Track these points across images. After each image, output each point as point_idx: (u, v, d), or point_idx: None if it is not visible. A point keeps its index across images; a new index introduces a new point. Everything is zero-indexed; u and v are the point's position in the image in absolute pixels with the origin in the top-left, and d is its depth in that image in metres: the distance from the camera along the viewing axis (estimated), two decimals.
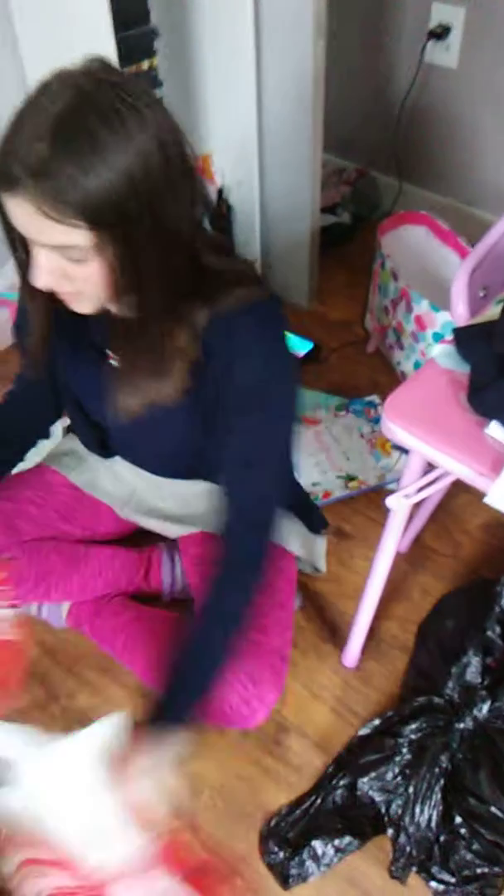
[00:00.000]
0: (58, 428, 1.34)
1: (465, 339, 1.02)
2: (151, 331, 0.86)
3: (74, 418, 1.22)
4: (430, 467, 1.03)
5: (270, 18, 1.64)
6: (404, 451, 1.68)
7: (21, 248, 0.83)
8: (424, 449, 0.94)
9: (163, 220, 0.77)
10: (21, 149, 0.71)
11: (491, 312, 1.06)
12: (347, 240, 2.27)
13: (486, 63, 1.94)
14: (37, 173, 0.71)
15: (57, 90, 0.73)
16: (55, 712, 1.33)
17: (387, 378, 1.88)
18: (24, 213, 0.74)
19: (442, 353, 1.04)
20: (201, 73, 1.80)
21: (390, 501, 1.05)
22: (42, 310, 0.94)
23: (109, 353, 1.00)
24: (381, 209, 2.34)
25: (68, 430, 1.37)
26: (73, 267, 0.79)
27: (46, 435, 1.29)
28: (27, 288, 0.87)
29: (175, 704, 0.94)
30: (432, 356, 1.04)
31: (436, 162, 2.20)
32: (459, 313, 1.10)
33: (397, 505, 1.05)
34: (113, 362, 0.98)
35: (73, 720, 1.32)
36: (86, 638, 1.37)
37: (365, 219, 2.32)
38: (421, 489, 1.03)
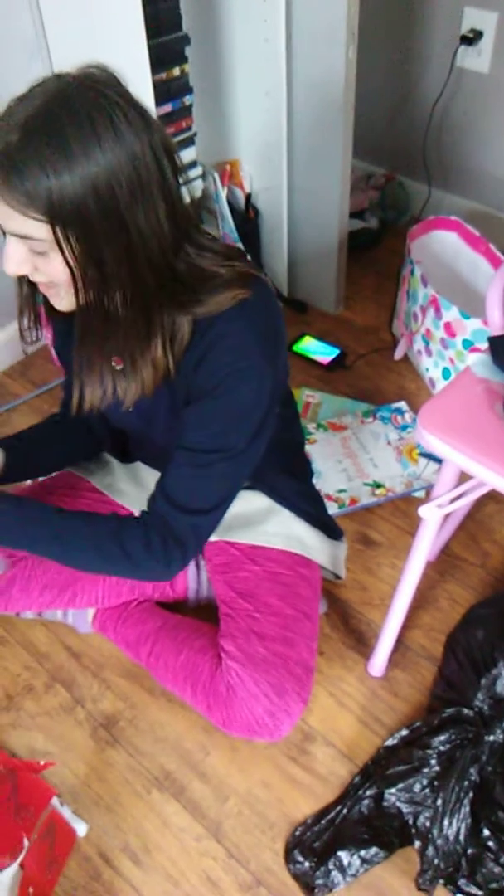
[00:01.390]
0: None
1: (501, 348, 1.01)
2: (123, 330, 0.87)
3: (95, 426, 1.23)
4: (463, 476, 1.02)
5: (301, 25, 1.64)
6: (432, 458, 1.67)
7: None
8: (460, 459, 0.93)
9: (128, 229, 0.79)
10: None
11: None
12: (375, 245, 2.26)
13: None
14: (2, 162, 0.74)
15: (46, 87, 0.75)
16: (80, 716, 1.34)
17: (414, 385, 1.87)
18: None
19: (478, 363, 1.03)
20: (231, 79, 1.80)
21: (423, 511, 1.04)
22: (25, 295, 0.96)
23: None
24: (409, 214, 2.33)
25: None
26: (38, 259, 0.82)
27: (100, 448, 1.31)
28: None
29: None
30: (468, 365, 1.03)
31: (466, 167, 2.18)
32: (495, 321, 1.09)
33: (430, 514, 1.04)
34: (113, 364, 0.99)
35: (99, 724, 1.32)
36: (109, 643, 1.37)
37: (393, 224, 2.31)
38: (454, 499, 1.02)
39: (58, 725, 1.33)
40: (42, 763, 1.19)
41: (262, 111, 1.79)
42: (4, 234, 0.82)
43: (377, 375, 1.91)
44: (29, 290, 0.96)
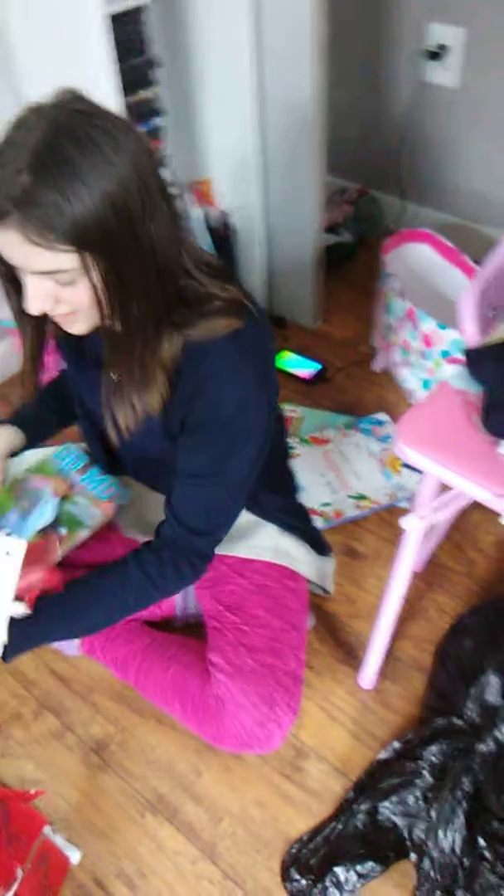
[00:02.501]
0: None
1: (477, 359, 1.02)
2: (137, 343, 0.88)
3: (87, 434, 1.22)
4: (444, 487, 1.03)
5: (270, 44, 1.66)
6: (416, 469, 1.67)
7: (5, 279, 0.87)
8: (438, 471, 0.94)
9: (142, 238, 0.80)
10: (3, 183, 0.74)
11: (502, 332, 1.06)
12: (351, 259, 2.29)
13: (488, 82, 1.96)
14: (21, 203, 0.74)
15: (32, 123, 0.75)
16: (70, 742, 1.32)
17: (394, 396, 1.89)
18: (11, 243, 0.76)
19: (455, 374, 1.04)
20: (202, 100, 1.82)
21: (405, 522, 1.05)
22: (33, 336, 0.97)
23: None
24: (383, 228, 2.35)
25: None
26: (62, 290, 0.82)
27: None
28: (19, 315, 0.92)
29: (23, 637, 1.00)
30: (446, 378, 1.04)
31: (438, 180, 2.21)
32: (469, 333, 1.10)
33: (412, 526, 1.05)
34: (113, 376, 0.99)
35: (90, 750, 1.31)
36: (99, 665, 1.37)
37: (368, 238, 2.34)
38: (436, 510, 1.02)
39: (48, 752, 1.32)
40: (33, 792, 1.18)
41: (234, 130, 1.81)
42: (6, 279, 0.83)
43: (357, 388, 1.93)
44: (35, 334, 0.96)
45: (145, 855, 1.19)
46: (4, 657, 0.99)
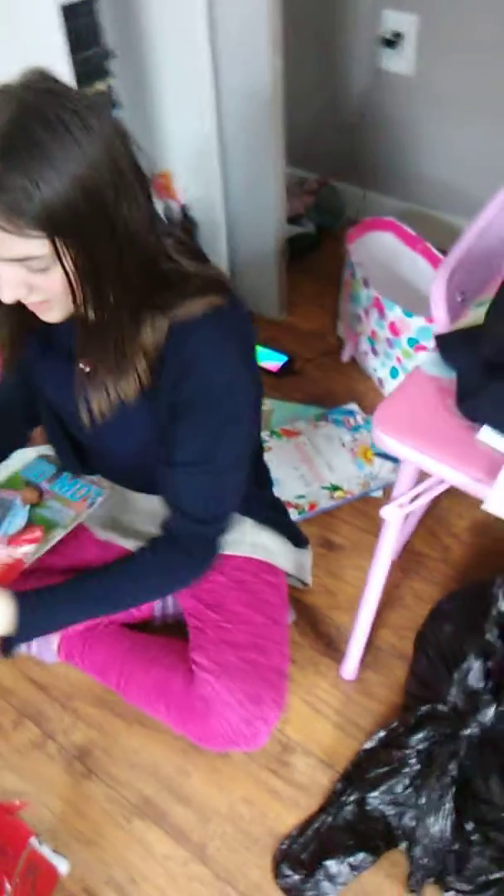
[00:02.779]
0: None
1: (449, 345, 1.02)
2: (113, 330, 0.87)
3: (52, 431, 1.20)
4: (422, 476, 1.02)
5: (225, 34, 1.64)
6: (387, 458, 1.68)
7: None
8: (418, 458, 0.93)
9: (117, 221, 0.78)
10: None
11: (473, 317, 1.06)
12: (313, 250, 2.28)
13: (443, 68, 1.96)
14: None
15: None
16: (52, 751, 1.30)
17: (363, 386, 1.88)
18: None
19: (427, 361, 1.03)
20: (158, 92, 1.79)
21: (385, 512, 1.04)
22: (10, 321, 0.96)
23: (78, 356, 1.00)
24: (345, 218, 2.35)
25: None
26: (36, 277, 0.80)
27: (18, 445, 1.29)
28: None
29: (33, 621, 0.98)
30: (419, 364, 1.04)
31: (397, 168, 2.21)
32: (440, 319, 1.10)
33: (391, 515, 1.04)
34: (83, 366, 0.98)
35: (73, 757, 1.29)
36: (78, 671, 1.34)
37: (330, 228, 2.33)
38: (414, 498, 1.02)
39: (30, 762, 1.29)
40: (17, 803, 1.15)
41: (191, 121, 1.78)
42: None
43: (326, 379, 1.92)
44: (10, 322, 0.95)
45: (135, 860, 1.18)
46: (6, 650, 0.97)
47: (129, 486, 1.23)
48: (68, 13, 1.44)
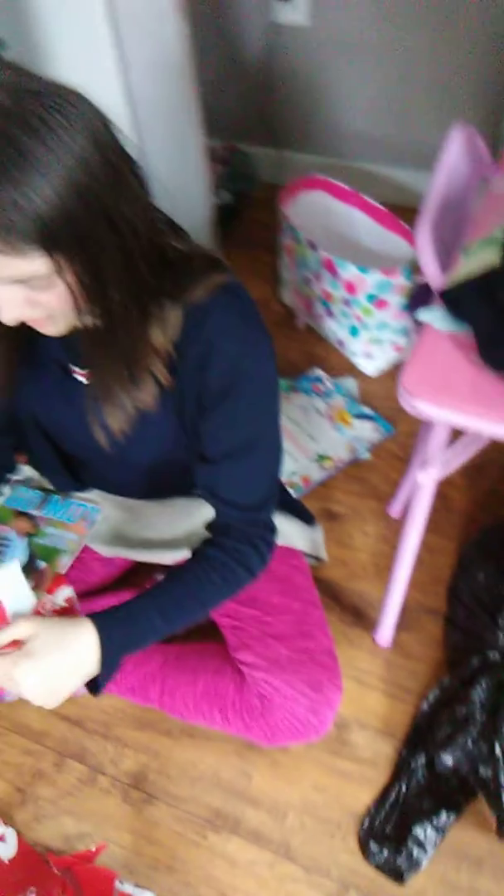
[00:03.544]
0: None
1: (457, 298, 1.00)
2: (122, 336, 0.81)
3: (40, 452, 1.11)
4: (456, 433, 1.01)
5: (126, 5, 1.53)
6: (366, 418, 1.66)
7: None
8: (457, 418, 0.91)
9: (117, 220, 0.72)
10: None
11: (469, 264, 1.04)
12: (235, 219, 2.21)
13: (338, 15, 1.92)
14: None
15: None
16: (105, 785, 1.24)
17: (322, 350, 1.86)
18: None
19: (435, 318, 1.01)
20: (60, 76, 1.67)
21: (421, 478, 1.02)
22: (6, 341, 0.89)
23: (74, 368, 0.94)
24: (260, 182, 2.29)
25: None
26: (38, 294, 0.74)
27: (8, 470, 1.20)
28: None
29: (116, 648, 0.90)
30: (424, 322, 1.02)
31: (309, 123, 2.16)
32: (432, 274, 1.07)
33: (427, 480, 1.03)
34: (79, 378, 0.92)
35: (128, 786, 1.23)
36: (111, 698, 1.28)
37: (248, 194, 2.27)
38: (450, 460, 1.01)
39: (84, 802, 1.23)
40: (94, 849, 1.09)
41: (100, 102, 1.67)
42: None
43: (283, 348, 1.88)
44: (5, 341, 0.88)
45: (220, 875, 1.14)
46: (97, 688, 0.89)
47: (135, 495, 1.16)
48: None
